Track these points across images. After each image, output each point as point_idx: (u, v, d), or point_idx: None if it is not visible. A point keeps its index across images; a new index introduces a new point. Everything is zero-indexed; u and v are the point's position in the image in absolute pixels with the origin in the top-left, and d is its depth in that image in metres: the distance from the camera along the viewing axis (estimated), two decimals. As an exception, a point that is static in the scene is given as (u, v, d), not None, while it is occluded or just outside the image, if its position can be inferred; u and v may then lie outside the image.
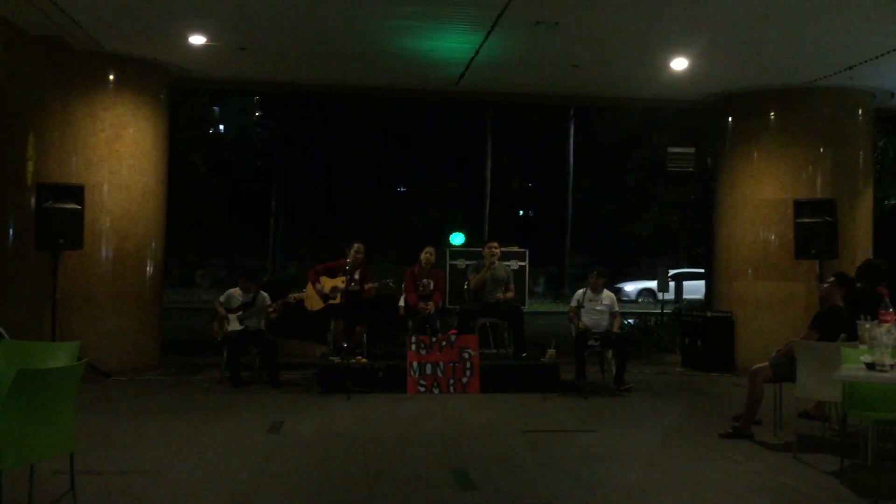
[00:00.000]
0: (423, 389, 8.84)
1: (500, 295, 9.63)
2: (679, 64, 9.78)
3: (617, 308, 9.64)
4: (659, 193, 21.70)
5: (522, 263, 10.99)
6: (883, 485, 5.35)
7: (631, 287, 29.09)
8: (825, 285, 7.38)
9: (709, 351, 11.04)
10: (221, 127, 36.22)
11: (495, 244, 9.86)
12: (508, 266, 10.22)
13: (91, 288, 9.65)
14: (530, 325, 10.53)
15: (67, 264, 9.29)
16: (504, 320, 9.97)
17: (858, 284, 7.58)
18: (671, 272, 28.10)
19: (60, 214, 8.86)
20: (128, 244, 9.93)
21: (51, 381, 4.34)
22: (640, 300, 28.18)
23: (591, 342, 9.12)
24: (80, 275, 9.53)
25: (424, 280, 9.81)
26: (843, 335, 6.62)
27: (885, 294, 6.88)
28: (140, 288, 10.08)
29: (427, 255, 9.90)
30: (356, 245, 9.50)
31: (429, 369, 8.90)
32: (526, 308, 10.49)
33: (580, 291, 9.62)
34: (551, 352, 9.41)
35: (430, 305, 9.63)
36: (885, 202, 16.83)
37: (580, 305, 9.33)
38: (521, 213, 38.25)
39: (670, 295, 17.83)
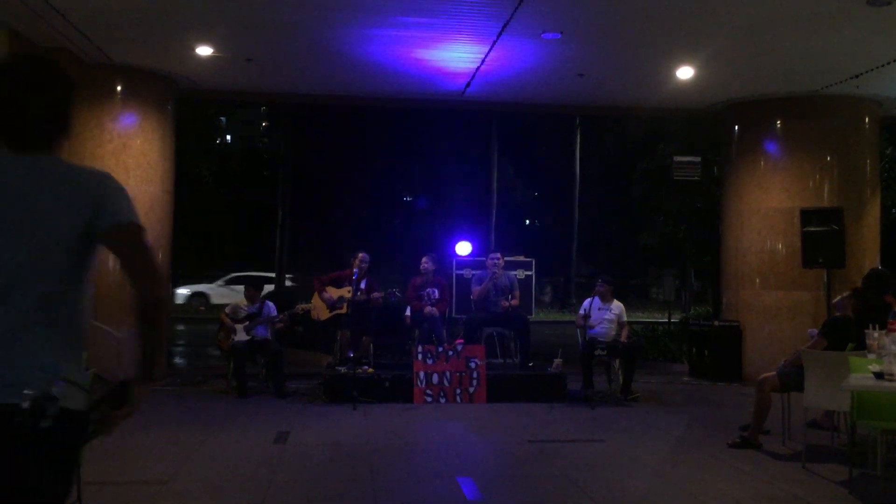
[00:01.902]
0: (429, 399, 8.83)
1: (504, 302, 9.63)
2: (685, 73, 9.79)
3: (625, 318, 9.61)
4: (665, 203, 21.65)
5: (528, 273, 11.00)
6: (891, 494, 5.32)
7: (183, 290, 27.62)
8: (839, 298, 7.35)
9: (716, 360, 11.00)
10: (228, 137, 36.37)
11: (498, 255, 9.88)
12: (514, 274, 10.22)
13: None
14: (537, 334, 10.51)
15: (74, 275, 9.29)
16: (510, 330, 9.96)
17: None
18: (231, 275, 27.79)
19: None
20: (135, 255, 9.93)
21: (58, 391, 4.34)
22: (192, 304, 26.96)
23: (598, 352, 9.09)
24: (87, 285, 9.54)
25: (428, 289, 9.82)
26: (850, 344, 6.59)
27: (893, 304, 6.86)
28: (147, 298, 10.07)
29: (425, 263, 9.92)
30: (360, 255, 9.53)
31: (435, 379, 8.89)
32: (532, 318, 10.48)
33: (588, 300, 9.60)
34: (558, 361, 9.40)
35: (429, 308, 9.65)
36: (893, 210, 16.77)
37: (587, 315, 9.32)
38: (528, 222, 38.31)
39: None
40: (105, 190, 2.20)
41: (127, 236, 2.20)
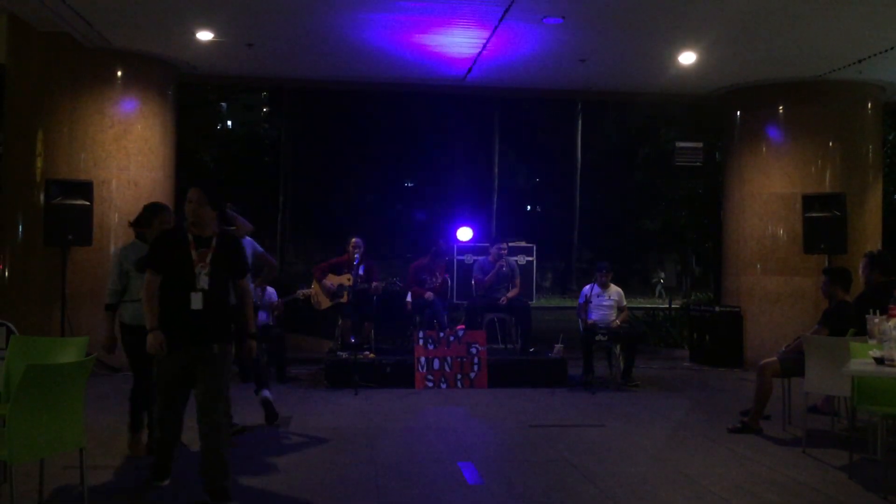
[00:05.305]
0: (430, 384, 8.85)
1: (503, 299, 9.63)
2: (687, 58, 9.74)
3: (624, 302, 9.62)
4: (667, 188, 21.64)
5: (530, 258, 11.00)
6: (892, 479, 5.33)
7: None
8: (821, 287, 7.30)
9: (717, 346, 11.01)
10: (229, 123, 36.27)
11: (504, 246, 9.89)
12: (514, 261, 10.23)
13: (100, 284, 9.58)
14: (537, 320, 10.51)
15: (76, 260, 9.32)
16: (511, 315, 9.97)
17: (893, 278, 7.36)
18: None
19: (69, 210, 8.89)
20: (136, 240, 9.94)
21: (60, 376, 4.35)
22: None
23: (598, 337, 9.11)
24: (89, 270, 9.53)
25: (427, 274, 9.90)
26: (851, 329, 6.59)
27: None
28: (148, 284, 10.09)
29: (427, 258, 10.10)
30: (354, 240, 9.55)
31: (436, 364, 8.91)
32: (533, 303, 10.49)
33: (587, 286, 9.61)
34: (559, 347, 9.42)
35: (429, 294, 9.71)
36: (895, 196, 16.71)
37: (588, 300, 9.33)
38: (529, 208, 38.28)
39: None
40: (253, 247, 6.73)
41: (264, 258, 7.00)
